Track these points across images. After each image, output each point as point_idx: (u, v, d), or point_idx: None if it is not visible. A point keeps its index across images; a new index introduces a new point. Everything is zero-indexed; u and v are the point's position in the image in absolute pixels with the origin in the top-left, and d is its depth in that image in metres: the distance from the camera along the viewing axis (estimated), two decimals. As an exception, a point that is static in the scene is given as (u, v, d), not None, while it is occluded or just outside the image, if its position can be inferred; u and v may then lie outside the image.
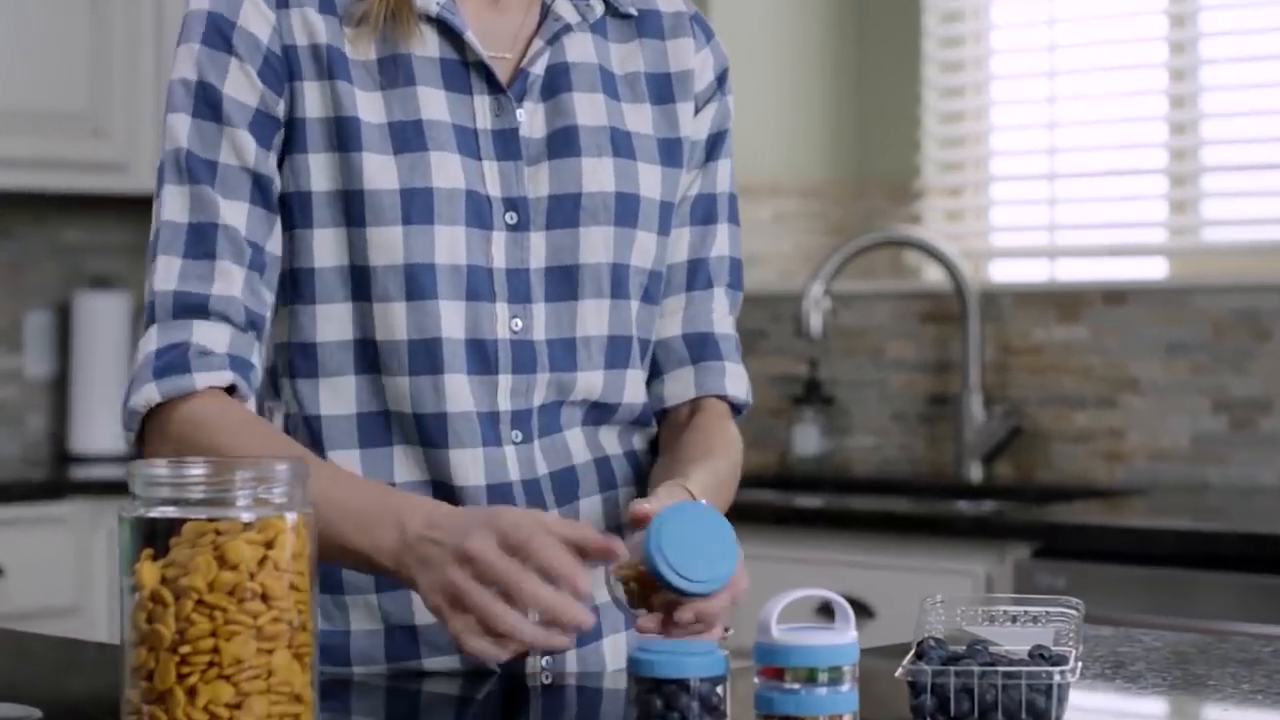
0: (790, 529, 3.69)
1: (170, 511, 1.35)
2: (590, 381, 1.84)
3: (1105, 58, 4.31)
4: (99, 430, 4.66)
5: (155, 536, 1.35)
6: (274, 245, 1.78)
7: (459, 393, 1.78)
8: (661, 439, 1.92)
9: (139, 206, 4.68)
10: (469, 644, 1.58)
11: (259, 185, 1.77)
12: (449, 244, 1.77)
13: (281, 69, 1.77)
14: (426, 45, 1.81)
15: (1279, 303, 3.85)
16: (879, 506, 3.85)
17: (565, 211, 1.82)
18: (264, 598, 1.33)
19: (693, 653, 1.47)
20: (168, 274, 1.76)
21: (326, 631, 1.79)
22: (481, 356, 1.80)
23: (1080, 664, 1.54)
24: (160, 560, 1.34)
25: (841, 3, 4.75)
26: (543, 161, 1.83)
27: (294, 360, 1.80)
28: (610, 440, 1.88)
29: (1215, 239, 4.21)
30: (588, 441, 1.86)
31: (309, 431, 1.79)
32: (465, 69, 1.82)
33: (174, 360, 1.73)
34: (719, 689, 1.46)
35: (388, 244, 1.76)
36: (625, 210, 1.84)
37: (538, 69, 1.84)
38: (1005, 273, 4.51)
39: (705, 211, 1.94)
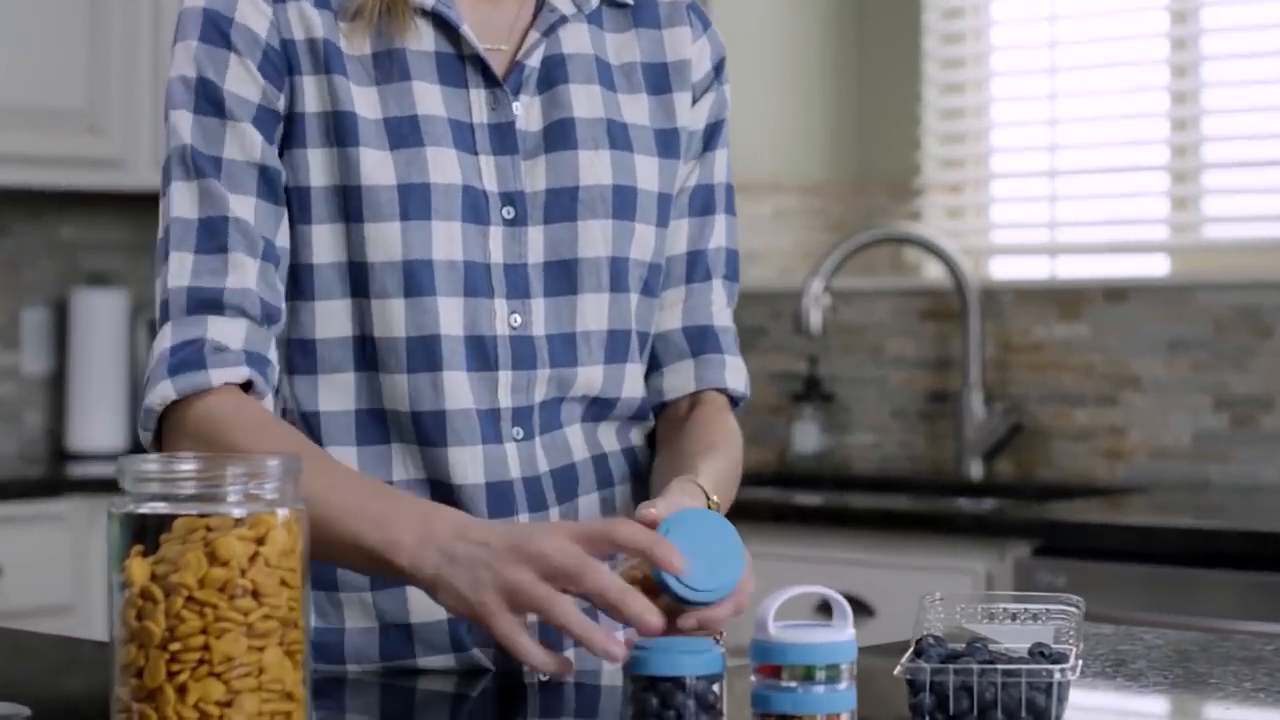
0: (789, 527, 3.69)
1: (160, 507, 1.34)
2: (590, 377, 1.83)
3: (1106, 54, 4.30)
4: (96, 427, 4.65)
5: (145, 532, 1.34)
6: (283, 239, 1.77)
7: (458, 390, 1.77)
8: (659, 432, 1.91)
9: (136, 203, 4.68)
10: (518, 641, 1.55)
11: (265, 179, 1.76)
12: (446, 240, 1.76)
13: (281, 63, 1.76)
14: (421, 39, 1.80)
15: (1280, 300, 3.85)
16: (879, 504, 3.83)
17: (563, 205, 1.81)
18: (255, 594, 1.32)
19: (689, 651, 1.46)
20: (180, 270, 1.74)
21: (321, 629, 1.78)
22: (481, 353, 1.78)
23: (1081, 662, 1.53)
24: (150, 556, 1.33)
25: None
26: (539, 155, 1.81)
27: (292, 357, 1.79)
28: (608, 437, 1.87)
29: (1216, 236, 4.20)
30: (586, 438, 1.85)
31: (306, 429, 1.78)
32: (460, 62, 1.80)
33: (189, 357, 1.71)
34: (715, 687, 1.45)
35: (385, 240, 1.75)
36: (623, 203, 1.83)
37: (533, 61, 1.82)
38: (1006, 270, 4.51)
39: (703, 203, 1.93)
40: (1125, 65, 4.28)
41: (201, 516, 1.33)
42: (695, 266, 1.92)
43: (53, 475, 4.37)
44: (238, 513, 1.33)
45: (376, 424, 1.78)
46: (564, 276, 1.82)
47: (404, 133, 1.76)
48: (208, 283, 1.73)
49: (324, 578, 1.77)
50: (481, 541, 1.58)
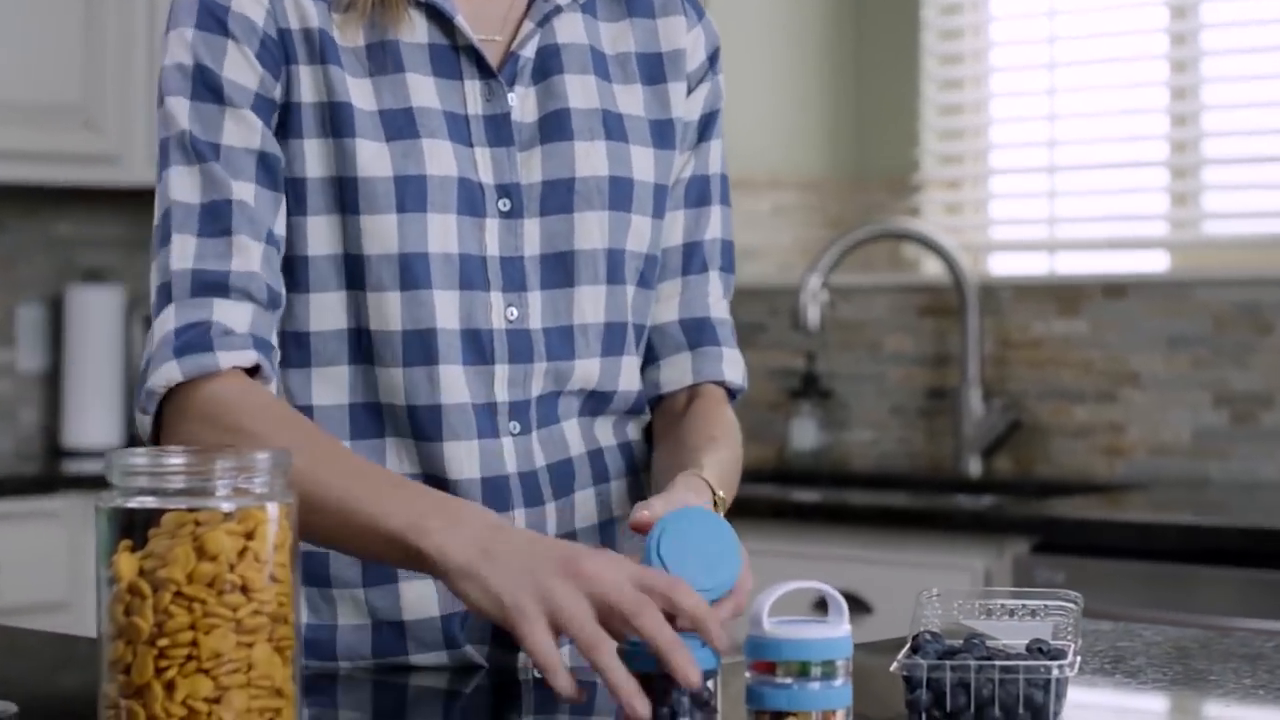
0: (787, 523, 3.68)
1: (149, 501, 1.32)
2: (587, 370, 1.82)
3: (1105, 50, 4.29)
4: (91, 424, 4.64)
5: (133, 527, 1.32)
6: (281, 228, 1.75)
7: (454, 384, 1.75)
8: (657, 425, 1.89)
9: (132, 199, 4.67)
10: (550, 660, 1.47)
11: (265, 165, 1.74)
12: (442, 233, 1.75)
13: (278, 52, 1.75)
14: (415, 30, 1.78)
15: (1280, 296, 3.84)
16: (877, 501, 3.83)
17: (559, 197, 1.80)
18: (244, 590, 1.30)
19: (683, 646, 1.44)
20: (184, 252, 1.71)
21: (313, 625, 1.77)
22: (477, 347, 1.77)
23: (1079, 658, 1.52)
24: (138, 551, 1.32)
25: (840, -6, 4.74)
26: (535, 146, 1.80)
27: (286, 350, 1.77)
28: (605, 432, 1.86)
29: (1216, 232, 4.19)
30: (583, 433, 1.84)
31: (299, 423, 1.76)
32: (455, 54, 1.79)
33: (195, 339, 1.69)
34: (709, 683, 1.44)
35: (381, 232, 1.74)
36: (619, 194, 1.82)
37: (528, 52, 1.81)
38: (1004, 266, 4.50)
39: (699, 194, 1.92)
40: (1124, 61, 4.27)
41: (190, 511, 1.31)
42: (691, 258, 1.91)
43: (48, 472, 4.36)
44: (226, 507, 1.31)
45: (371, 418, 1.77)
46: (560, 269, 1.80)
47: (399, 125, 1.75)
48: (212, 265, 1.71)
49: (316, 574, 1.76)
50: (525, 542, 1.52)
